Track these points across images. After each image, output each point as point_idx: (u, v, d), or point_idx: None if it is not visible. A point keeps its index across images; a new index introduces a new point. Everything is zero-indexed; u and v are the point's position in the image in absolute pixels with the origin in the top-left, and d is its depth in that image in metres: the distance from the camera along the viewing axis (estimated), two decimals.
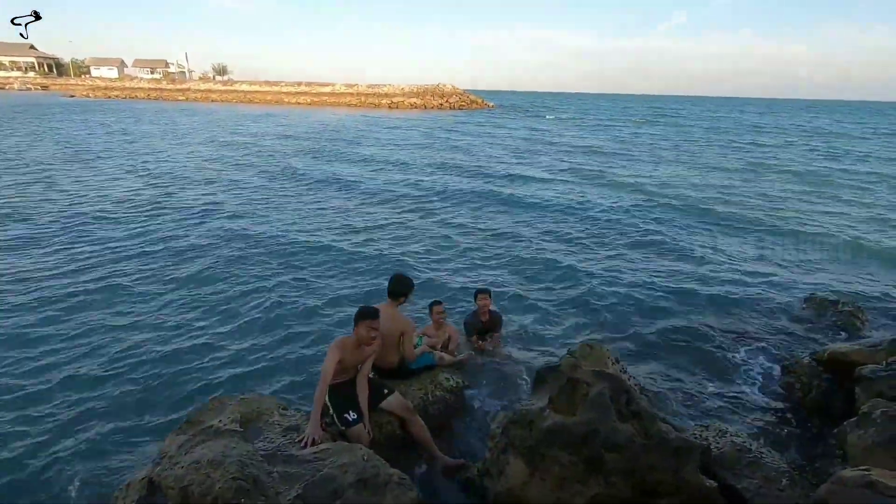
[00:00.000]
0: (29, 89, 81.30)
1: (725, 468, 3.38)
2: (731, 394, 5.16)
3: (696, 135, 37.91)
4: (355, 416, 3.70)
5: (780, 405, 4.93)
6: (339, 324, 6.66)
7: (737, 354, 6.01)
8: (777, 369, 5.52)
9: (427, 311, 5.48)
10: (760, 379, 5.45)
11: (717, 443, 3.63)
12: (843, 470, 2.62)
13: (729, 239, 10.99)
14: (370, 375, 4.00)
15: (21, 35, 4.31)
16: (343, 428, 3.69)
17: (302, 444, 3.26)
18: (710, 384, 5.33)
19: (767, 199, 15.30)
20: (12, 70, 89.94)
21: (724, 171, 20.60)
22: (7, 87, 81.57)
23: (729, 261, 9.49)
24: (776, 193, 16.29)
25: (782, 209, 14.04)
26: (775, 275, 8.76)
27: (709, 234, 11.39)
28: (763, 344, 6.28)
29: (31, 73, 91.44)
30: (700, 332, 6.60)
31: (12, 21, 4.19)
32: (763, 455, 3.51)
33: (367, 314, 3.77)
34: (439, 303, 5.33)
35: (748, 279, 8.55)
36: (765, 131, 43.36)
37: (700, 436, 3.69)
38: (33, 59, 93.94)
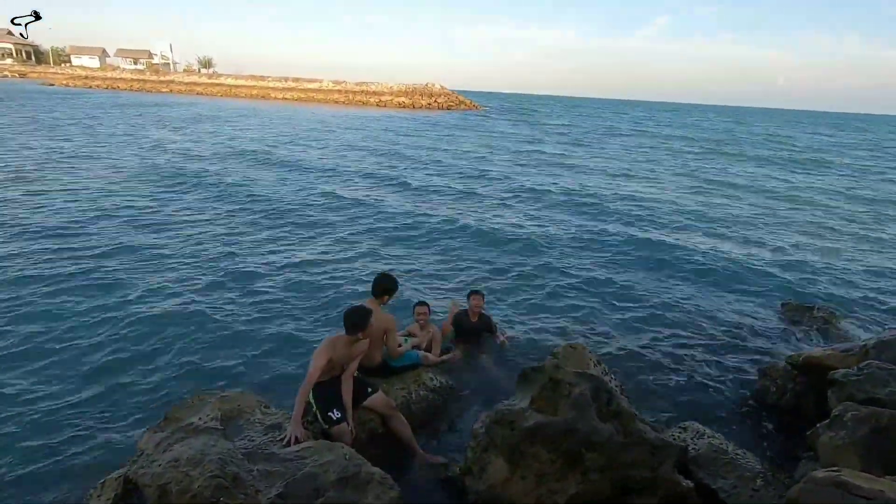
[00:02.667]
0: (5, 76, 79.00)
1: (702, 468, 3.45)
2: (709, 396, 5.27)
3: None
4: (339, 415, 3.69)
5: (756, 407, 5.04)
6: (323, 321, 6.62)
7: (715, 358, 6.13)
8: (754, 373, 5.65)
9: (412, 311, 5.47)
10: (738, 382, 5.57)
11: (695, 443, 3.70)
12: (814, 470, 2.70)
13: (707, 246, 11.19)
14: (354, 374, 3.99)
15: (21, 35, 4.27)
16: (326, 426, 3.68)
17: (284, 442, 3.23)
18: (689, 386, 5.43)
19: (746, 208, 15.63)
20: None
21: (713, 182, 20.97)
22: None
23: (707, 268, 9.67)
24: (759, 202, 16.65)
25: (758, 217, 14.36)
26: (753, 281, 8.96)
27: (688, 240, 11.58)
28: (740, 348, 6.42)
29: (9, 60, 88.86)
30: (680, 335, 6.72)
31: (12, 21, 4.12)
32: (739, 456, 3.59)
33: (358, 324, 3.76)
34: (423, 304, 5.32)
35: (727, 286, 8.73)
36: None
37: (678, 436, 3.76)
38: (10, 46, 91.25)
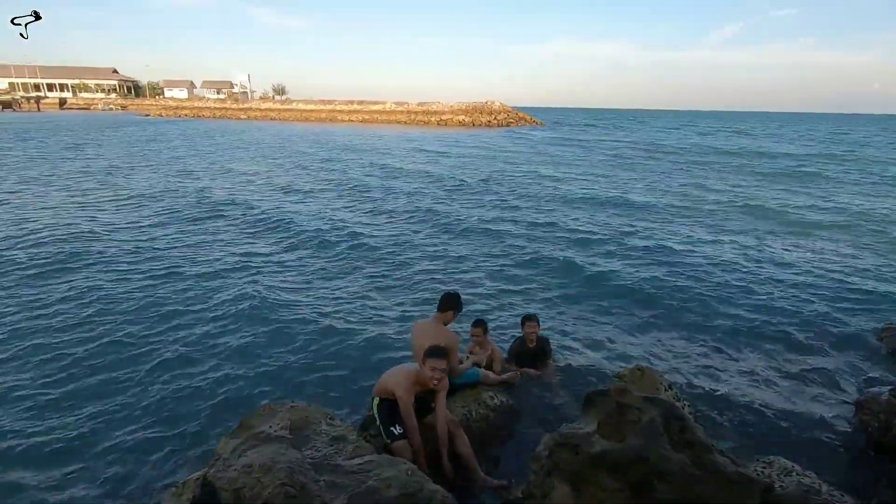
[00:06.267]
0: (111, 109, 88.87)
1: None
2: (798, 429, 4.80)
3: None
4: (401, 431, 3.73)
5: (853, 445, 4.53)
6: (388, 338, 6.75)
7: (803, 386, 5.61)
8: (850, 405, 5.10)
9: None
10: (830, 415, 5.05)
11: (782, 481, 3.38)
12: None
13: (798, 261, 10.32)
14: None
15: (21, 35, 4.26)
16: (388, 441, 3.73)
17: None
18: (775, 417, 4.98)
19: (847, 220, 14.29)
20: (97, 92, 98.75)
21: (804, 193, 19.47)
22: (92, 107, 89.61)
23: (797, 284, 8.91)
24: (857, 215, 15.20)
25: (860, 230, 13.08)
26: (849, 301, 8.14)
27: (777, 254, 10.75)
28: (834, 376, 5.83)
29: (113, 95, 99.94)
30: (763, 360, 6.21)
31: (12, 21, 4.14)
32: (835, 498, 3.24)
33: (432, 353, 3.80)
34: (479, 323, 5.27)
35: (818, 305, 7.98)
36: None
37: (762, 472, 3.46)
38: (115, 82, 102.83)
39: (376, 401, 3.93)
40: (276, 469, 2.83)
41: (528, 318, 5.54)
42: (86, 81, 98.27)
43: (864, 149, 40.48)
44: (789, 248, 11.33)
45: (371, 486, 2.88)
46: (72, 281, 8.57)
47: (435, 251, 10.91)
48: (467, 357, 4.95)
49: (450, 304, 4.48)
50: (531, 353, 5.49)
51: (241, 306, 7.70)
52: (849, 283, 8.99)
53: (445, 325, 4.48)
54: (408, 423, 3.74)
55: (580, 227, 13.18)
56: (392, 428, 3.73)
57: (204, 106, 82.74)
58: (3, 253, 9.86)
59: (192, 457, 4.44)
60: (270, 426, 3.41)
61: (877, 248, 11.50)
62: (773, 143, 45.07)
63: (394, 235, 12.16)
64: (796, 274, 9.47)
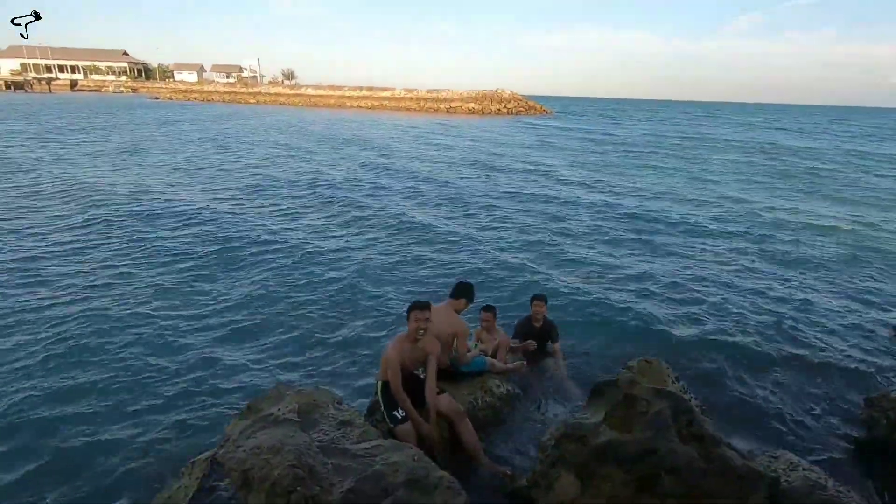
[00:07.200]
0: (121, 92, 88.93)
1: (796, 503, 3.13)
2: (806, 424, 4.78)
3: None
4: (404, 415, 3.75)
5: (861, 441, 4.51)
6: (394, 322, 6.77)
7: (813, 382, 5.57)
8: (859, 402, 5.06)
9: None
10: (840, 411, 5.02)
11: (788, 475, 3.37)
12: None
13: (809, 258, 10.19)
14: (421, 375, 4.03)
15: (21, 35, 4.23)
16: (391, 426, 3.75)
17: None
18: (783, 412, 4.96)
19: (864, 218, 14.07)
20: (108, 74, 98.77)
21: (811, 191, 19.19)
22: (103, 89, 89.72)
23: (808, 281, 8.82)
24: (870, 215, 14.96)
25: (873, 229, 12.88)
26: (860, 299, 8.04)
27: (788, 252, 10.62)
28: (844, 373, 5.78)
29: (123, 77, 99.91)
30: (772, 355, 6.16)
31: (12, 21, 4.10)
32: (841, 493, 3.22)
33: (415, 305, 3.88)
34: (489, 308, 5.26)
35: (829, 302, 7.90)
36: None
37: (769, 466, 3.45)
38: (126, 65, 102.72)
39: (380, 384, 3.94)
40: (284, 451, 2.86)
41: (537, 298, 5.54)
42: (97, 63, 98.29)
43: (883, 143, 39.73)
44: (799, 244, 11.18)
45: (378, 471, 2.90)
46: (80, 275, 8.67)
47: (441, 245, 10.90)
48: (476, 345, 4.95)
49: (463, 292, 4.47)
50: (537, 332, 5.50)
51: (245, 293, 7.75)
52: (861, 281, 8.88)
53: (457, 312, 4.47)
54: (398, 396, 3.74)
55: (579, 226, 13.08)
56: (395, 412, 3.75)
57: (213, 90, 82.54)
58: None
59: (201, 438, 4.50)
60: (279, 409, 3.44)
61: (893, 246, 11.33)
62: (785, 137, 44.35)
63: (399, 228, 12.16)
64: (807, 271, 9.36)
